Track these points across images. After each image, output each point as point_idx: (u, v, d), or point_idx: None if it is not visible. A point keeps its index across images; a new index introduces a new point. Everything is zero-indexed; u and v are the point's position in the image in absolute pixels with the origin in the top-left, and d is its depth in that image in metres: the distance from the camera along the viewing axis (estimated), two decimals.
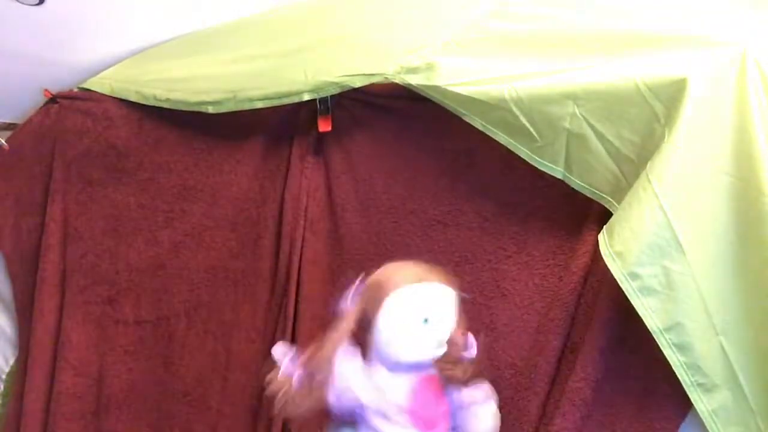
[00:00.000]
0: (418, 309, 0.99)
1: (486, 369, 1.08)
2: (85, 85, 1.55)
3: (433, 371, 1.03)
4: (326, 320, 1.04)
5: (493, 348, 1.16)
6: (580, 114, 1.00)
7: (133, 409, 1.53)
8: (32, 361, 1.52)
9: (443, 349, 1.00)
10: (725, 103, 0.92)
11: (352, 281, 1.03)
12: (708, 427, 0.95)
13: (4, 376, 1.66)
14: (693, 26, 1.01)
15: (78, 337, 1.52)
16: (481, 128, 1.10)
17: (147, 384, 1.52)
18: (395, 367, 1.01)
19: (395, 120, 1.27)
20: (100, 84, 1.53)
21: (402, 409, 0.99)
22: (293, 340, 1.33)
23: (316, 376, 0.97)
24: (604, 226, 0.98)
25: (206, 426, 1.48)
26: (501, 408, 1.07)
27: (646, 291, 0.93)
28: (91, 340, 1.53)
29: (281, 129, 1.39)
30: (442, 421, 1.03)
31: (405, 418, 0.99)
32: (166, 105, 1.42)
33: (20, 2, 1.33)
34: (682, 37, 0.98)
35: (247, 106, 1.31)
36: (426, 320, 0.98)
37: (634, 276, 0.93)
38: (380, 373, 1.01)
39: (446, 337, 1.00)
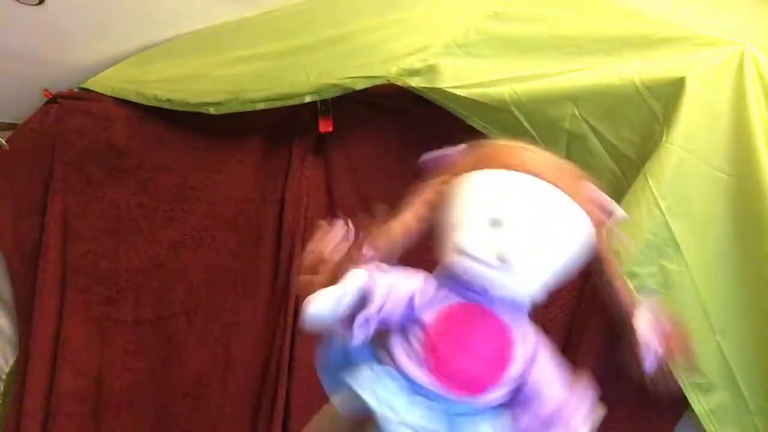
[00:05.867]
0: (487, 203, 0.70)
1: None
2: (85, 85, 1.55)
3: (500, 308, 0.72)
4: None
5: None
6: (580, 115, 1.01)
7: (133, 409, 1.53)
8: (32, 361, 1.52)
9: (511, 275, 0.68)
10: (723, 102, 0.93)
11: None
12: (705, 427, 0.96)
13: (4, 376, 1.65)
14: (692, 26, 1.01)
15: (78, 337, 1.52)
16: (482, 130, 1.10)
17: (147, 384, 1.52)
18: (449, 281, 0.72)
19: (396, 121, 1.27)
20: (100, 84, 1.52)
21: (420, 336, 0.70)
22: (293, 340, 1.33)
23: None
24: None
25: (206, 426, 1.48)
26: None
27: (644, 290, 0.93)
28: (91, 340, 1.53)
29: (282, 129, 1.40)
30: (490, 382, 0.71)
31: (420, 354, 0.70)
32: (166, 105, 1.42)
33: (20, 2, 1.33)
34: (681, 37, 0.98)
35: (248, 108, 1.32)
36: (495, 221, 0.68)
37: (632, 275, 0.93)
38: (431, 283, 0.74)
39: (518, 257, 0.67)
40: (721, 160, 0.93)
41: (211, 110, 1.36)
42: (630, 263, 0.93)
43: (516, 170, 0.70)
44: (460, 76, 1.09)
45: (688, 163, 0.92)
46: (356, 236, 0.75)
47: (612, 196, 1.02)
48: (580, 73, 1.01)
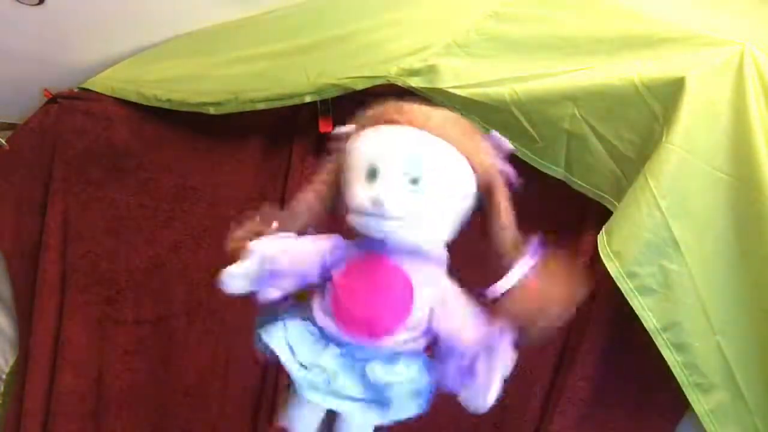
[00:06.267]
0: (365, 157, 0.74)
1: None
2: (85, 85, 1.55)
3: (402, 259, 0.75)
4: None
5: None
6: (580, 115, 1.01)
7: (133, 409, 1.53)
8: (32, 361, 1.52)
9: (391, 220, 0.70)
10: (723, 102, 0.93)
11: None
12: (705, 427, 0.96)
13: (4, 376, 1.65)
14: (691, 26, 1.01)
15: (78, 337, 1.52)
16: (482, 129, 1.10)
17: (147, 384, 1.52)
18: (353, 238, 0.78)
19: None
20: (100, 84, 1.52)
21: (329, 289, 0.76)
22: None
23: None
24: (604, 226, 0.98)
25: (206, 426, 1.48)
26: (502, 408, 1.07)
27: (644, 290, 0.93)
28: (91, 340, 1.53)
29: (282, 129, 1.40)
30: (387, 327, 0.75)
31: (329, 304, 0.76)
32: (166, 105, 1.42)
33: (20, 2, 1.33)
34: (681, 37, 0.98)
35: (248, 108, 1.31)
36: (372, 172, 0.72)
37: (632, 275, 0.93)
38: (340, 243, 0.79)
39: (389, 200, 0.70)
40: (721, 160, 0.93)
41: (211, 110, 1.36)
42: (630, 263, 0.93)
43: (394, 124, 0.74)
44: (460, 76, 1.09)
45: (688, 163, 0.92)
46: (263, 216, 0.83)
47: (613, 196, 1.03)
48: (580, 73, 1.01)
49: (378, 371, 0.76)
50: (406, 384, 0.77)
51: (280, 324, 0.82)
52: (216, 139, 1.47)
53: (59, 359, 1.52)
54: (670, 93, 0.93)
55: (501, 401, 1.08)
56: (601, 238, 0.97)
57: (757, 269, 0.93)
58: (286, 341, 0.81)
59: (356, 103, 1.28)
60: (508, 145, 0.80)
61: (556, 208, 1.14)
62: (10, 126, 1.66)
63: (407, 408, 0.77)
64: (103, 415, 1.54)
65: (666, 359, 0.94)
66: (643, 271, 0.93)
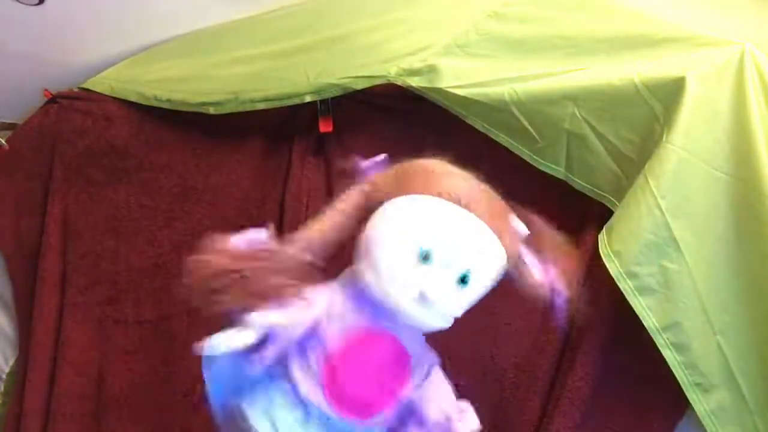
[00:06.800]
0: (419, 235, 0.67)
1: (488, 369, 1.08)
2: (85, 85, 1.55)
3: (406, 334, 0.71)
4: None
5: (495, 348, 1.16)
6: (580, 115, 1.01)
7: (134, 409, 1.53)
8: (32, 361, 1.52)
9: (428, 311, 0.67)
10: (724, 102, 0.93)
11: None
12: (706, 427, 0.96)
13: (4, 376, 1.65)
14: (691, 26, 1.01)
15: (78, 337, 1.52)
16: (482, 129, 1.10)
17: (147, 384, 1.52)
18: (359, 297, 0.71)
19: (396, 121, 1.27)
20: (100, 84, 1.52)
21: (321, 359, 0.69)
22: None
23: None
24: (604, 226, 0.98)
25: (206, 426, 1.48)
26: (502, 408, 1.07)
27: (644, 290, 0.93)
28: (91, 340, 1.53)
29: (282, 129, 1.40)
30: (380, 408, 0.71)
31: (319, 375, 0.68)
32: (166, 105, 1.43)
33: (20, 2, 1.33)
34: (681, 37, 0.98)
35: (248, 108, 1.31)
36: (425, 255, 0.66)
37: (631, 275, 0.93)
38: (338, 295, 0.72)
39: (438, 294, 0.66)
40: (721, 160, 0.93)
41: (211, 110, 1.36)
42: (630, 263, 0.93)
43: (445, 198, 0.69)
44: (460, 76, 1.09)
45: (688, 163, 0.92)
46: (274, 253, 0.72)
47: (613, 196, 1.03)
48: (580, 73, 1.01)
49: None
50: None
51: (262, 393, 0.72)
52: (216, 139, 1.47)
53: (59, 359, 1.52)
54: (670, 93, 0.93)
55: (501, 401, 1.08)
56: (602, 238, 0.97)
57: (757, 269, 0.93)
58: (269, 415, 0.71)
59: (356, 102, 1.29)
60: (525, 229, 0.78)
61: (556, 208, 1.14)
62: (10, 126, 1.66)
63: None
64: (103, 415, 1.53)
65: (666, 359, 0.94)
66: (643, 271, 0.93)
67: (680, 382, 0.94)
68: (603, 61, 1.01)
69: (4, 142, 1.58)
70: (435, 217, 0.68)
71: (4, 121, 1.66)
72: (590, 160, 1.03)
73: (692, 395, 0.95)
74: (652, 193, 0.92)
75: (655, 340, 0.93)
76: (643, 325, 0.94)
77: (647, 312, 0.93)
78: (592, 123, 1.01)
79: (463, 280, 0.69)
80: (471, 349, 1.15)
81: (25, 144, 1.58)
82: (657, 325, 0.93)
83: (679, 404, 0.99)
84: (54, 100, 1.56)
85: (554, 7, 1.11)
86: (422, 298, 0.66)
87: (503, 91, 1.04)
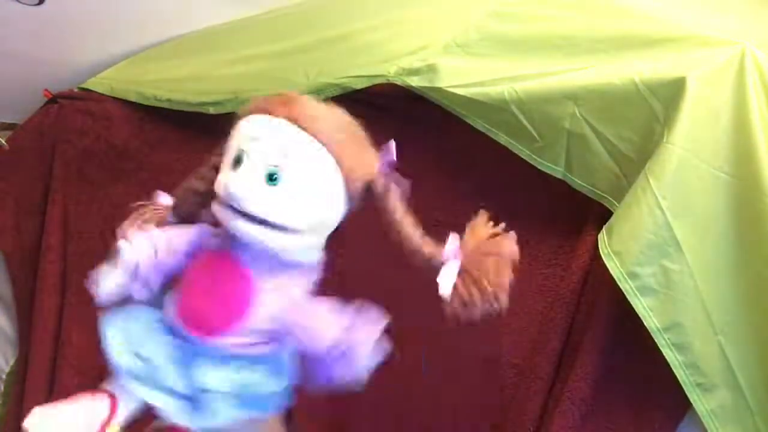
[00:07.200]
0: (235, 142, 0.73)
1: (488, 370, 1.08)
2: (85, 85, 1.55)
3: (249, 255, 0.73)
4: None
5: (496, 348, 1.16)
6: (580, 114, 1.01)
7: None
8: (32, 361, 1.52)
9: (232, 211, 0.69)
10: (724, 102, 0.93)
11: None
12: (707, 427, 0.95)
13: (4, 376, 1.66)
14: (692, 26, 1.01)
15: (78, 337, 1.52)
16: (482, 129, 1.10)
17: None
18: (219, 229, 0.76)
19: (395, 120, 1.27)
20: (100, 84, 1.53)
21: (179, 284, 0.76)
22: None
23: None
24: (604, 226, 0.98)
25: None
26: (502, 408, 1.07)
27: (645, 290, 0.93)
28: (91, 340, 1.52)
29: None
30: (224, 325, 0.74)
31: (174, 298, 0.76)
32: (166, 105, 1.43)
33: (20, 2, 1.33)
34: (681, 37, 0.98)
35: None
36: (237, 159, 0.71)
37: (632, 275, 0.93)
38: (206, 233, 0.79)
39: (244, 191, 0.68)
40: (722, 160, 0.93)
41: (211, 110, 1.36)
42: (631, 263, 0.93)
43: (276, 114, 0.72)
44: (460, 76, 1.09)
45: (688, 163, 0.92)
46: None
47: (613, 196, 1.03)
48: (580, 73, 1.01)
49: (204, 372, 0.75)
50: (235, 390, 0.74)
51: (122, 311, 0.81)
52: (216, 139, 1.46)
53: (59, 359, 1.52)
54: (670, 93, 0.93)
55: (501, 401, 1.08)
56: (602, 238, 0.97)
57: (758, 269, 0.92)
58: (124, 328, 0.80)
59: (356, 102, 1.29)
60: (393, 156, 0.81)
61: (556, 208, 1.14)
62: (10, 126, 1.66)
63: (225, 414, 0.75)
64: None
65: (667, 359, 0.93)
66: (644, 271, 0.93)
67: (681, 383, 0.94)
68: (603, 61, 1.01)
69: (4, 142, 1.58)
70: (249, 127, 0.73)
71: (4, 121, 1.66)
72: (590, 160, 1.03)
73: (693, 395, 0.95)
74: (653, 193, 0.92)
75: (656, 340, 0.93)
76: (643, 325, 0.93)
77: (648, 312, 0.93)
78: (592, 123, 1.00)
79: (272, 177, 0.70)
80: (471, 349, 1.15)
81: (25, 144, 1.59)
82: (658, 325, 0.93)
83: (681, 404, 0.99)
84: (54, 100, 1.56)
85: (554, 6, 1.11)
86: (230, 197, 0.68)
87: (503, 90, 1.04)
